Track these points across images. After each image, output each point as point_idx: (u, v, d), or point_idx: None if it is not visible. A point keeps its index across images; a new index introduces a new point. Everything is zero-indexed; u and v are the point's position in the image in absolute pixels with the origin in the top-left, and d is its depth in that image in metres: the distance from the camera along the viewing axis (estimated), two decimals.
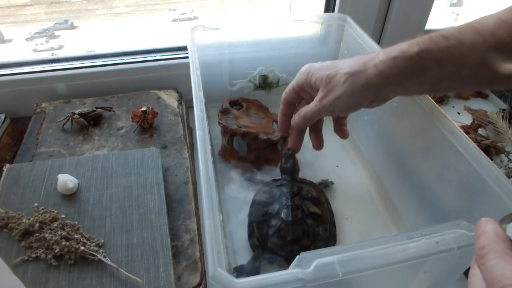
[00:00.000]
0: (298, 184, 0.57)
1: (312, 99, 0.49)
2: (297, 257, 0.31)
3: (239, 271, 0.51)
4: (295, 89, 0.52)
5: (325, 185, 0.63)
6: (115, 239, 0.49)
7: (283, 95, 0.54)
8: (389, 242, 0.33)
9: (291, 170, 0.58)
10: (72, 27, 2.61)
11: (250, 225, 0.55)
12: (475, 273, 0.24)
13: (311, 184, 0.60)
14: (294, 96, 0.53)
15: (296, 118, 0.52)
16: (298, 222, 0.52)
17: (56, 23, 2.53)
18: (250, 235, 0.55)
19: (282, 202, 0.54)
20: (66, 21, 2.59)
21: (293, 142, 0.56)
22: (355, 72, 0.43)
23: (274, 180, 0.59)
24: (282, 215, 0.52)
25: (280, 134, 0.57)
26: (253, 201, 0.58)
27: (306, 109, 0.49)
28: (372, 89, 0.43)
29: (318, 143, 0.56)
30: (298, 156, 0.61)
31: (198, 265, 0.49)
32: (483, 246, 0.23)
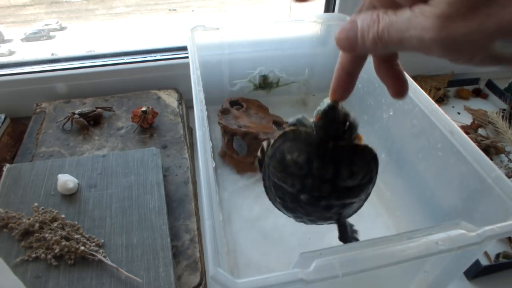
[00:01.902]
0: (342, 156, 0.36)
1: None
2: (297, 257, 0.31)
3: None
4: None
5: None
6: (115, 239, 0.49)
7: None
8: (389, 242, 0.33)
9: (333, 132, 0.36)
10: (61, 28, 2.60)
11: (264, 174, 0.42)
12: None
13: (365, 158, 0.37)
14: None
15: (379, 29, 0.23)
16: (318, 217, 0.41)
17: (45, 24, 2.52)
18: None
19: (306, 183, 0.37)
20: (55, 22, 2.58)
21: (342, 82, 0.32)
22: None
23: (316, 128, 0.36)
24: (302, 197, 0.38)
25: (331, 97, 0.35)
26: (273, 155, 0.39)
27: (416, 23, 0.21)
28: None
29: (402, 85, 0.30)
30: None
31: (198, 265, 0.49)
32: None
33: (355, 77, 0.33)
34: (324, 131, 0.36)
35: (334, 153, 0.36)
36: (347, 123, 0.37)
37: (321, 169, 0.36)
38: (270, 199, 0.44)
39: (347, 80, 0.33)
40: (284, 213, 0.43)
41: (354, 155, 0.37)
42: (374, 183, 0.40)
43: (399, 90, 0.31)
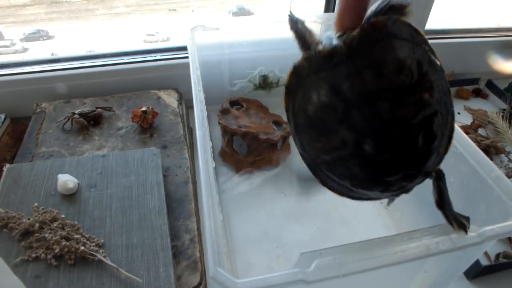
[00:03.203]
0: (371, 44, 0.25)
1: None
2: (297, 257, 0.31)
3: None
4: None
5: None
6: (115, 239, 0.49)
7: None
8: (389, 242, 0.33)
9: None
10: (48, 37, 2.60)
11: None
12: None
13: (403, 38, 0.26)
14: None
15: None
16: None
17: (30, 33, 2.53)
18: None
19: (354, 121, 0.26)
20: (39, 31, 2.59)
21: (351, 2, 0.26)
22: None
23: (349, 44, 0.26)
24: (367, 148, 0.27)
25: (337, 28, 0.27)
26: (296, 116, 0.30)
27: None
28: None
29: None
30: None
31: (198, 265, 0.49)
32: None
33: None
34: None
35: (352, 54, 0.25)
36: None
37: (355, 84, 0.25)
38: (341, 193, 0.32)
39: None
40: (370, 196, 0.33)
41: (383, 37, 0.25)
42: (441, 68, 0.28)
43: None
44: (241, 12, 2.63)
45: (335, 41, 0.26)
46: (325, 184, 0.32)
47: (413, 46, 0.26)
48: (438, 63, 0.27)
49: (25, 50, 2.38)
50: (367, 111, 0.25)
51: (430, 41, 0.28)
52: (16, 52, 2.39)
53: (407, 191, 0.32)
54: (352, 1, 0.25)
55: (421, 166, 0.29)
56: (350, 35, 0.25)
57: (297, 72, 0.28)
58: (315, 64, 0.27)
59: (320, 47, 0.27)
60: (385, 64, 0.25)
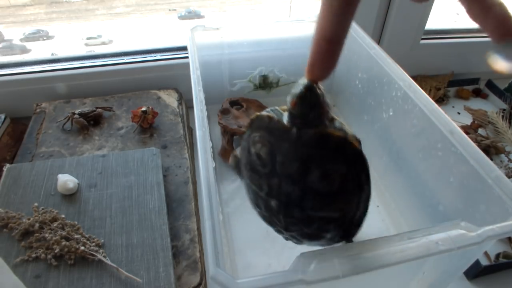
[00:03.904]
0: (315, 144, 0.29)
1: None
2: (297, 257, 0.31)
3: None
4: None
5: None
6: (115, 239, 0.49)
7: None
8: (389, 242, 0.33)
9: (312, 116, 0.29)
10: (48, 37, 2.60)
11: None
12: None
13: (344, 154, 0.29)
14: None
15: None
16: (292, 227, 0.34)
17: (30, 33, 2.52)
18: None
19: (271, 183, 0.30)
20: (39, 31, 2.59)
21: (322, 54, 0.25)
22: None
23: (291, 117, 0.30)
24: (272, 204, 0.32)
25: (308, 76, 0.28)
26: (243, 148, 0.34)
27: None
28: None
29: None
30: None
31: (198, 265, 0.49)
32: None
33: (340, 46, 0.25)
34: (302, 120, 0.28)
35: (301, 144, 0.28)
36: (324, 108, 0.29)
37: (286, 165, 0.28)
38: (252, 207, 0.37)
39: (329, 50, 0.25)
40: (268, 225, 0.36)
41: (328, 149, 0.28)
42: (369, 193, 0.32)
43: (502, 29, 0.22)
44: (190, 15, 2.50)
45: (292, 119, 0.30)
46: (248, 193, 0.37)
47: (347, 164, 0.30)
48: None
49: (110, 41, 2.33)
50: (285, 184, 0.30)
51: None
52: (103, 43, 2.36)
53: (299, 242, 0.37)
54: (323, 52, 0.25)
55: (318, 240, 0.35)
56: (292, 114, 0.30)
57: (260, 118, 0.31)
58: (270, 125, 0.31)
59: (288, 102, 0.30)
60: (313, 169, 0.29)
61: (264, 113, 0.32)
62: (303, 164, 0.29)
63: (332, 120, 0.31)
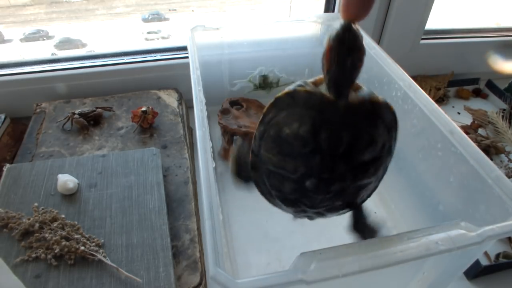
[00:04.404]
0: (364, 112, 0.29)
1: None
2: (297, 257, 0.31)
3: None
4: None
5: None
6: (115, 239, 0.49)
7: None
8: (389, 242, 0.33)
9: (350, 64, 0.27)
10: (48, 37, 2.60)
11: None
12: None
13: (385, 119, 0.30)
14: None
15: None
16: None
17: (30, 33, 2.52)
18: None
19: (312, 162, 0.29)
20: (39, 31, 2.58)
21: None
22: None
23: (329, 79, 0.28)
24: (308, 183, 0.30)
25: (344, 16, 0.28)
26: (264, 133, 0.32)
27: None
28: None
29: None
30: None
31: (198, 265, 0.49)
32: None
33: None
34: (340, 67, 0.26)
35: (351, 114, 0.27)
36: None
37: (333, 139, 0.27)
38: (262, 193, 0.35)
39: None
40: (282, 209, 0.36)
41: (374, 115, 0.28)
42: (392, 155, 0.32)
43: None
44: (156, 18, 2.51)
45: (332, 82, 0.28)
46: (256, 183, 0.35)
47: (388, 129, 0.30)
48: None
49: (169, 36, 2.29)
50: (327, 161, 0.28)
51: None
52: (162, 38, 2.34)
53: (311, 219, 0.36)
54: None
55: (340, 210, 0.34)
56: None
57: (292, 95, 0.29)
58: (309, 100, 0.29)
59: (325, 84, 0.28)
60: (363, 138, 0.28)
61: (298, 88, 0.29)
62: (351, 135, 0.27)
63: (358, 88, 0.30)
